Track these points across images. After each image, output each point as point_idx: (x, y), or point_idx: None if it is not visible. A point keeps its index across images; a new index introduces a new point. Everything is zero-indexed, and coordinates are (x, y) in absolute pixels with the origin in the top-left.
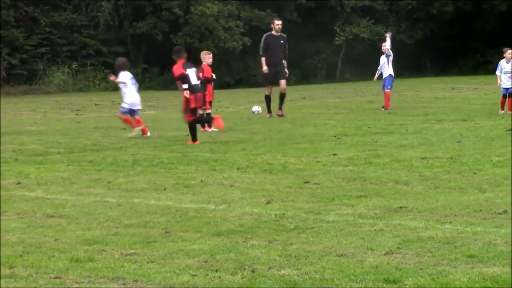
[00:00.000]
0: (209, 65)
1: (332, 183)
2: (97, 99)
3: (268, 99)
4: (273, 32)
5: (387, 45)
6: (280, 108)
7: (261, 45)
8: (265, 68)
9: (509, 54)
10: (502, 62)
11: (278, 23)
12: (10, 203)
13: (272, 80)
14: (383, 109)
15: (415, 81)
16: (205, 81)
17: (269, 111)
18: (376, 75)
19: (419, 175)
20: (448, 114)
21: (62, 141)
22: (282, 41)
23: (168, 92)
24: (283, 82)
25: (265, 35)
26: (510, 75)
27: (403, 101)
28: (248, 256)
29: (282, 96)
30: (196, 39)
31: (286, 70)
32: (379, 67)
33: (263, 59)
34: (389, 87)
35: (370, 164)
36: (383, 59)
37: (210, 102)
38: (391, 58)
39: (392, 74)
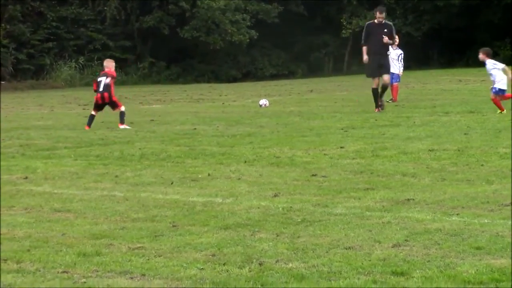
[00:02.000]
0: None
1: (340, 176)
2: None
3: (375, 92)
4: (376, 21)
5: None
6: (381, 97)
7: (363, 34)
8: (365, 58)
9: None
10: None
11: (380, 16)
12: (17, 198)
13: (376, 71)
14: (390, 101)
15: (422, 74)
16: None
17: (377, 105)
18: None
19: (427, 167)
20: (455, 106)
21: (69, 135)
22: (386, 30)
23: (175, 86)
24: (386, 77)
25: (367, 23)
26: None
27: (410, 93)
28: (255, 249)
29: (384, 88)
30: (203, 33)
31: (397, 39)
32: (394, 60)
33: (364, 49)
34: (398, 80)
35: (377, 157)
36: (393, 54)
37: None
38: (402, 55)
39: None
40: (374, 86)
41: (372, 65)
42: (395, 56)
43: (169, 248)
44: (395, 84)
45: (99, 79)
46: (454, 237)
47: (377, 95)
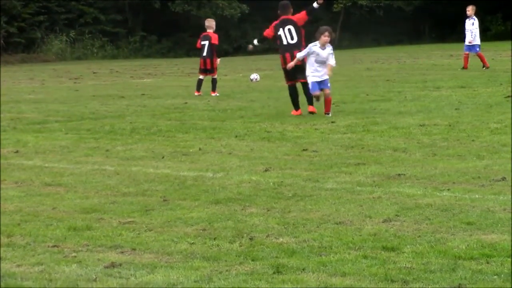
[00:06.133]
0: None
1: (330, 151)
2: (95, 67)
3: None
4: None
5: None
6: None
7: None
8: None
9: None
10: None
11: None
12: (8, 172)
13: None
14: (484, 68)
15: (414, 48)
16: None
17: None
18: (470, 39)
19: (417, 142)
20: (447, 81)
21: (60, 109)
22: None
23: (166, 60)
24: None
25: None
26: None
27: (401, 68)
28: (246, 224)
29: None
30: (194, 7)
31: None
32: (468, 30)
33: None
34: (478, 49)
35: (368, 132)
36: (470, 25)
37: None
38: (474, 22)
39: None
40: None
41: None
42: (471, 26)
43: (160, 222)
44: (479, 52)
45: (202, 42)
46: (445, 212)
47: None
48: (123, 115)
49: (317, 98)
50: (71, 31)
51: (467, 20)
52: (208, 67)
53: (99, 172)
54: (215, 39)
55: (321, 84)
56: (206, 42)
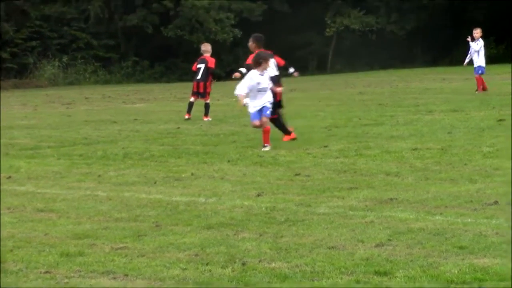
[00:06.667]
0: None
1: (323, 175)
2: (88, 93)
3: None
4: None
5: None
6: None
7: None
8: None
9: None
10: None
11: None
12: (0, 198)
13: None
14: (477, 92)
15: (406, 72)
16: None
17: None
18: (467, 61)
19: (410, 166)
20: (439, 105)
21: (53, 135)
22: None
23: (159, 85)
24: None
25: None
26: None
27: (393, 92)
28: (238, 249)
29: None
30: (187, 32)
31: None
32: (470, 53)
33: None
34: (480, 72)
35: (360, 156)
36: (476, 47)
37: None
38: (482, 48)
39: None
40: None
41: None
42: (478, 48)
43: (152, 248)
44: (477, 75)
45: (198, 66)
46: (437, 236)
47: None
48: (116, 140)
49: (257, 127)
50: (64, 56)
51: (473, 43)
52: (201, 90)
53: (92, 198)
54: (211, 63)
55: (260, 112)
56: (202, 66)
